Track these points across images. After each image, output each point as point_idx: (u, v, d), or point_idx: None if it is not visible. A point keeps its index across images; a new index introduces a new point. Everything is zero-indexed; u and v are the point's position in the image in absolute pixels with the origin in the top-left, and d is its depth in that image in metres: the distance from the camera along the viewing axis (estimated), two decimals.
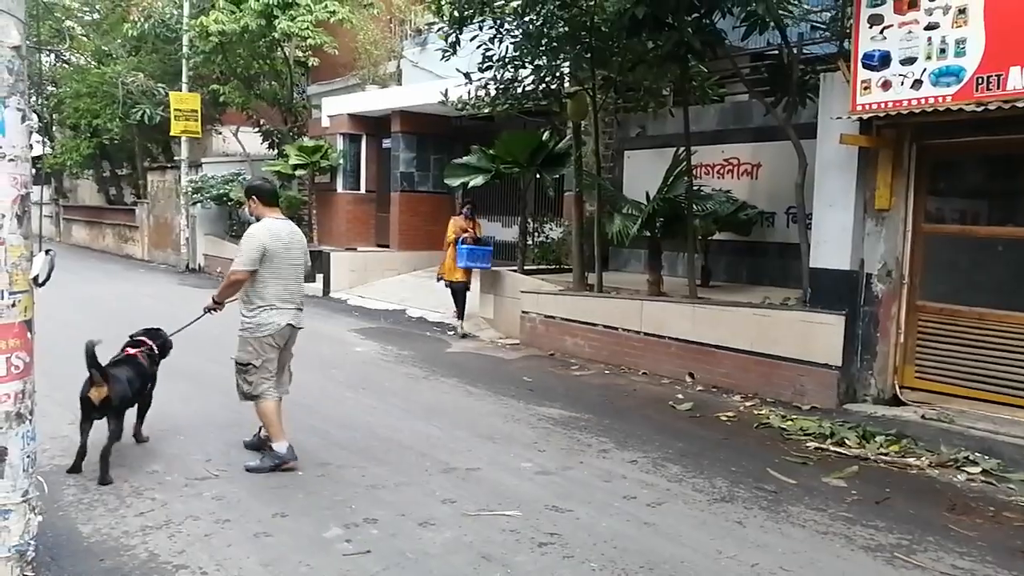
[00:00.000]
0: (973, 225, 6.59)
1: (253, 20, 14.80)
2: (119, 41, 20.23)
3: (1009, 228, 6.31)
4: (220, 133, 20.38)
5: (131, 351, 5.24)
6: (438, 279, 10.79)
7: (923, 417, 6.16)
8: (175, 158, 19.41)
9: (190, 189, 18.01)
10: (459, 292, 10.58)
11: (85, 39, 23.14)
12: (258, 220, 5.11)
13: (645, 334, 8.37)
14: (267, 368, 5.04)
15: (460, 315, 10.66)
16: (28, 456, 2.37)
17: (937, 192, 6.64)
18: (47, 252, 2.73)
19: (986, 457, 5.43)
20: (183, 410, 6.20)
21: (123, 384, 4.88)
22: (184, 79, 18.18)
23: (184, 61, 17.95)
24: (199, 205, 18.11)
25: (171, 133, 18.10)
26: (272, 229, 5.04)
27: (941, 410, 6.21)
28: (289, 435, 5.07)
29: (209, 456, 5.17)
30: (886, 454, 5.63)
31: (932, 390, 6.52)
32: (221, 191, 17.44)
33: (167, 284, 15.86)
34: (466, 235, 10.27)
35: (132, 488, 4.58)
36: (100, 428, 4.75)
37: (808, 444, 5.85)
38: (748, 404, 6.98)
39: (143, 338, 5.42)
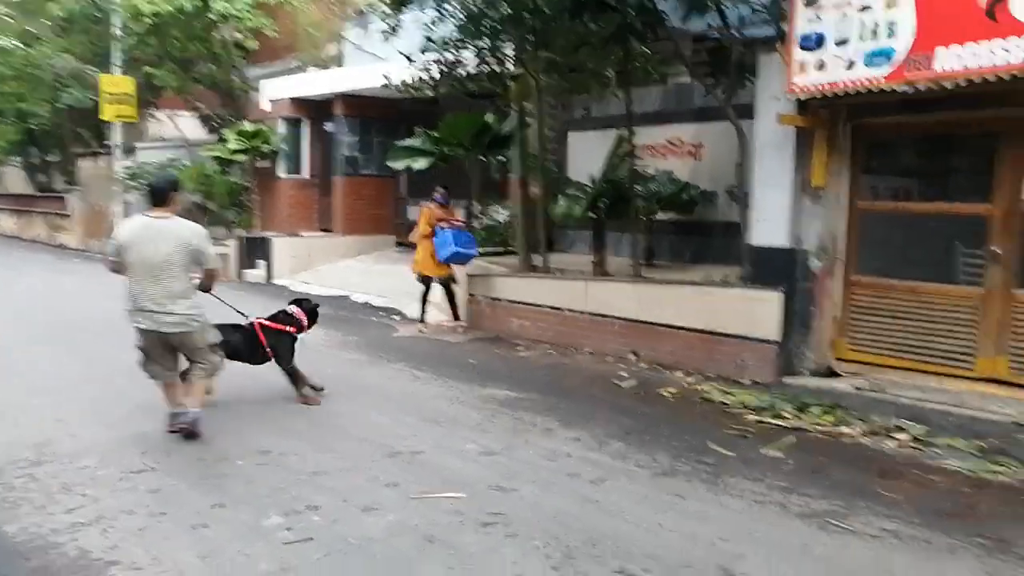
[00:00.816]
0: (905, 202, 6.79)
1: (188, 1, 14.33)
2: (46, 22, 19.38)
3: (939, 204, 6.52)
4: (156, 117, 19.74)
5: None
6: (419, 278, 9.89)
7: (856, 388, 6.35)
8: (108, 143, 18.75)
9: (125, 175, 17.44)
10: (442, 287, 9.85)
11: (9, 20, 22.10)
12: None
13: (590, 314, 8.42)
14: (144, 351, 5.21)
15: (423, 314, 10.00)
16: None
17: (871, 170, 6.81)
18: None
19: (914, 424, 5.63)
20: (120, 402, 6.02)
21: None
22: (116, 61, 17.54)
23: (116, 43, 17.30)
24: (135, 192, 17.54)
25: (103, 117, 17.47)
26: (132, 227, 5.09)
27: (873, 380, 6.41)
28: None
29: (145, 449, 5.03)
30: (821, 424, 5.79)
31: (865, 361, 6.72)
32: None
33: (102, 274, 15.33)
34: (444, 224, 9.58)
35: (61, 485, 4.43)
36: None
37: (748, 417, 5.98)
38: (690, 380, 7.10)
39: None
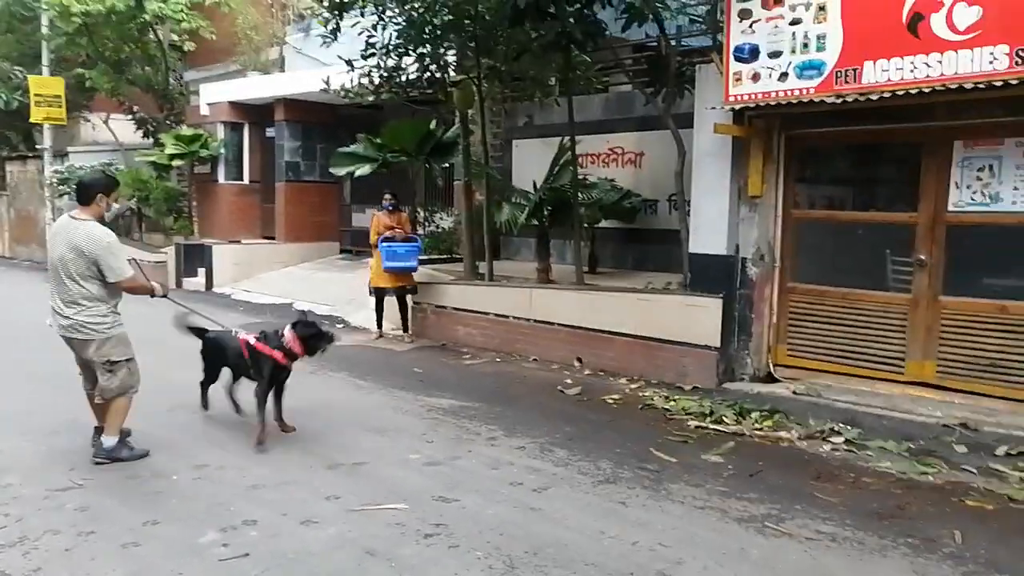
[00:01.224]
0: (837, 210, 6.99)
1: (120, 0, 13.94)
2: None
3: (868, 213, 6.74)
4: (89, 121, 19.11)
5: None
6: (370, 291, 9.63)
7: (794, 392, 6.51)
8: (37, 147, 18.08)
9: (55, 180, 16.83)
10: (385, 298, 9.61)
11: None
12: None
13: (535, 321, 8.45)
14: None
15: (379, 323, 9.71)
16: None
17: (804, 179, 7.00)
18: None
19: (849, 427, 5.79)
20: (45, 414, 5.78)
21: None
22: (45, 62, 16.95)
23: (44, 43, 16.72)
24: (66, 197, 16.92)
25: (31, 120, 16.84)
26: (54, 226, 4.98)
27: (810, 385, 6.58)
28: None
29: (73, 465, 4.84)
30: (760, 429, 5.91)
31: (803, 367, 6.90)
32: None
33: (33, 283, 14.76)
34: (392, 232, 9.30)
35: None
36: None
37: (689, 423, 6.06)
38: (634, 386, 7.17)
39: None
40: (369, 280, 9.58)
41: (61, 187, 16.62)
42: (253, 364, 5.47)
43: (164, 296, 5.32)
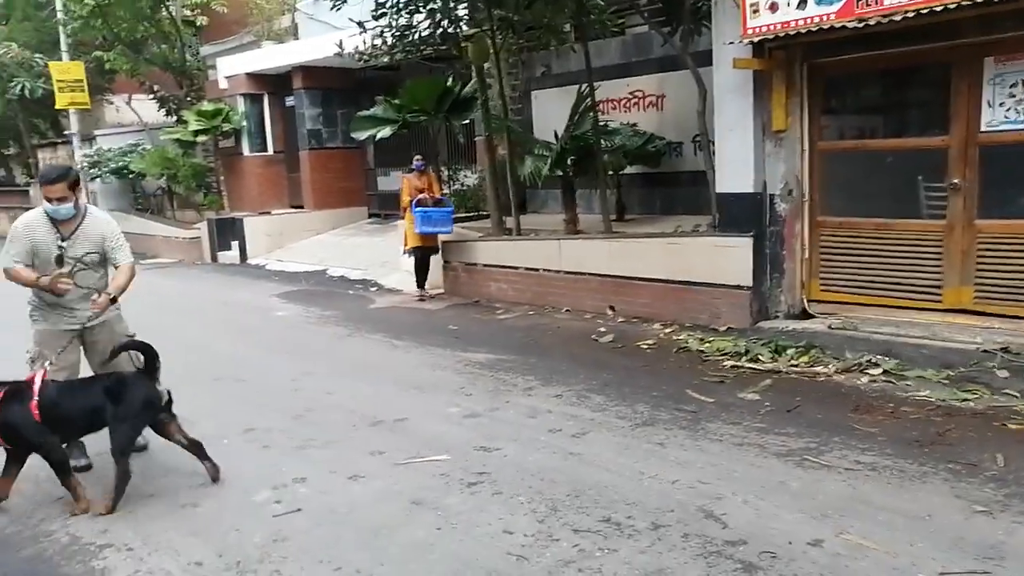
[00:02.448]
0: (866, 139, 6.84)
1: None
2: None
3: (898, 140, 6.59)
4: (112, 103, 19.33)
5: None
6: (405, 253, 9.76)
7: (830, 327, 6.46)
8: (65, 132, 18.34)
9: (86, 164, 17.10)
10: (424, 259, 9.58)
11: None
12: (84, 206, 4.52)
13: (566, 272, 8.47)
14: None
15: (421, 283, 9.65)
16: None
17: (830, 110, 6.85)
18: None
19: (886, 359, 5.76)
20: None
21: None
22: (63, 47, 17.08)
23: (61, 28, 16.83)
24: (98, 180, 17.23)
25: (57, 106, 17.06)
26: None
27: (846, 319, 6.53)
28: None
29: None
30: (796, 365, 5.91)
31: (838, 300, 6.83)
32: (120, 164, 16.62)
33: None
34: (423, 196, 9.21)
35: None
36: None
37: (725, 363, 6.08)
38: (667, 331, 7.19)
39: None
40: (404, 242, 9.62)
41: (92, 171, 16.90)
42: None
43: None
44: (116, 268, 4.54)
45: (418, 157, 9.56)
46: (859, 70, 6.65)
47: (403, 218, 9.61)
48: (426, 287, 9.69)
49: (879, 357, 5.83)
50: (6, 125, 20.39)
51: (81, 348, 4.63)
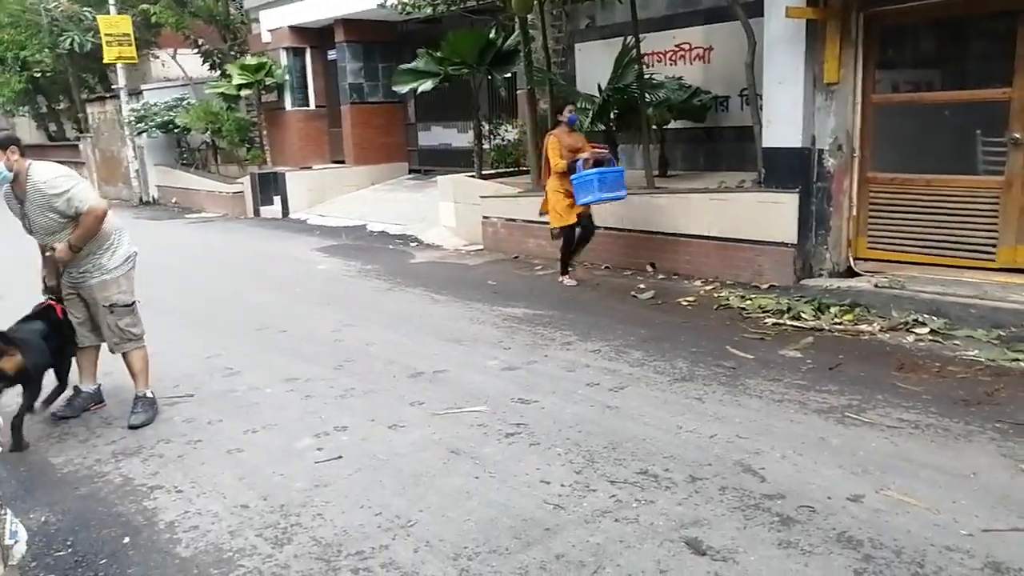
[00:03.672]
0: (920, 92, 6.59)
1: None
2: None
3: (954, 92, 6.33)
4: (158, 57, 19.46)
5: (52, 302, 4.60)
6: (554, 234, 7.68)
7: (876, 286, 6.33)
8: (113, 87, 18.60)
9: (133, 118, 17.36)
10: (585, 234, 7.67)
11: None
12: (19, 172, 4.21)
13: (605, 228, 8.38)
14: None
15: (566, 265, 7.77)
16: None
17: (885, 62, 6.60)
18: None
19: (934, 318, 5.63)
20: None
21: (37, 350, 4.31)
22: (111, 1, 17.22)
23: None
24: (145, 135, 17.50)
25: (105, 60, 17.27)
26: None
27: (893, 277, 6.38)
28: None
29: (177, 381, 5.18)
30: (840, 323, 5.80)
31: (885, 259, 6.68)
32: (166, 118, 16.82)
33: (122, 219, 15.47)
34: (583, 156, 7.16)
35: (101, 419, 4.61)
36: None
37: (766, 321, 6.00)
38: (708, 288, 7.11)
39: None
40: (550, 220, 7.62)
41: (139, 125, 17.15)
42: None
43: None
44: None
45: (570, 108, 7.58)
46: (918, 19, 6.40)
47: (544, 186, 7.61)
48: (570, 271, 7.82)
49: (926, 316, 5.71)
50: (57, 79, 20.74)
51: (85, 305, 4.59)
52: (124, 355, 4.65)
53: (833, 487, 3.36)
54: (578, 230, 7.58)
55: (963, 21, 6.23)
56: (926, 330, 5.48)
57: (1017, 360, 4.83)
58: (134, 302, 4.62)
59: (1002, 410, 4.12)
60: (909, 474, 3.44)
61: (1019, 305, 5.51)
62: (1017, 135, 5.82)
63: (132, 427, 4.43)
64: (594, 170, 7.12)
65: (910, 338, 5.40)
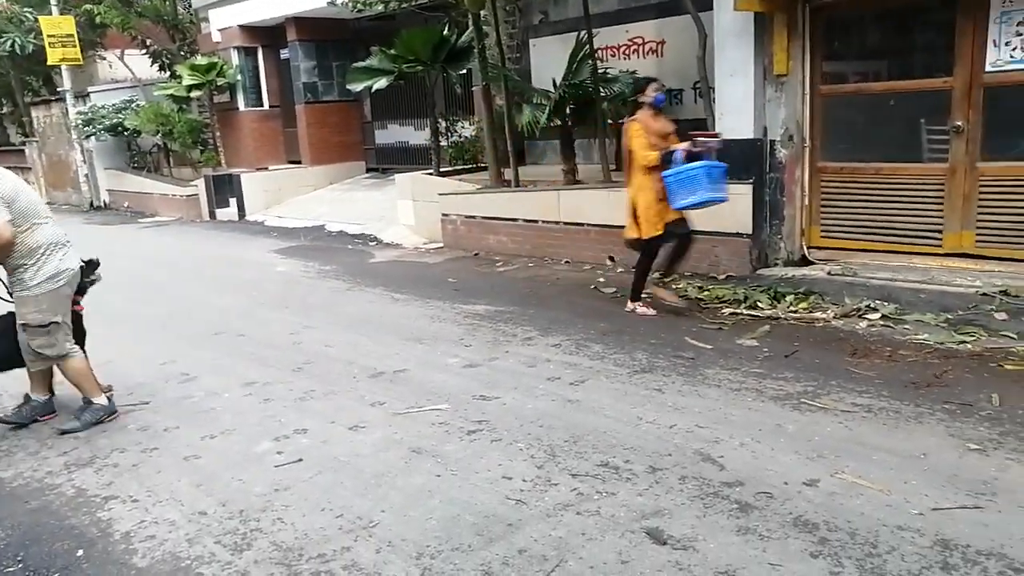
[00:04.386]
0: (867, 82, 6.73)
1: None
2: None
3: (900, 82, 6.48)
4: (105, 59, 19.00)
5: None
6: (631, 243, 6.20)
7: (829, 273, 6.46)
8: (59, 89, 18.11)
9: (80, 122, 16.91)
10: (682, 245, 6.15)
11: None
12: None
13: (565, 223, 8.44)
14: (67, 322, 4.45)
15: (638, 291, 6.24)
16: None
17: (832, 53, 6.73)
18: None
19: (885, 303, 5.77)
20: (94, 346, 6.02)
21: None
22: (53, 1, 16.75)
23: None
24: (93, 138, 17.07)
25: (49, 62, 16.80)
26: (7, 175, 4.23)
27: (845, 265, 6.52)
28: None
29: (131, 389, 5.07)
30: (796, 312, 5.91)
31: (837, 247, 6.82)
32: (114, 121, 16.42)
33: (71, 225, 15.09)
34: (681, 147, 5.75)
35: (52, 429, 4.49)
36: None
37: (724, 311, 6.08)
38: (667, 279, 7.15)
39: None
40: (639, 228, 6.00)
41: (87, 128, 16.72)
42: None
43: None
44: None
45: (656, 86, 5.96)
46: (862, 11, 6.53)
47: (628, 183, 6.02)
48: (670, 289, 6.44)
49: (878, 302, 5.84)
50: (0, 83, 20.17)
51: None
52: (58, 365, 4.53)
53: (790, 472, 3.42)
54: (662, 242, 6.05)
55: (905, 12, 6.38)
56: (878, 316, 5.61)
57: (964, 343, 4.97)
58: (51, 323, 4.31)
59: (950, 391, 4.23)
60: (862, 457, 3.52)
61: (965, 289, 5.67)
62: (959, 123, 5.98)
63: (61, 432, 4.37)
64: (699, 163, 5.65)
65: (863, 324, 5.52)
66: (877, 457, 3.51)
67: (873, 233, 6.59)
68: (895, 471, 3.37)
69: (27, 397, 4.62)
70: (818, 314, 5.81)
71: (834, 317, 5.72)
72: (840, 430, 3.84)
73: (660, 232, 5.96)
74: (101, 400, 4.57)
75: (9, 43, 17.34)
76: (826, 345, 5.17)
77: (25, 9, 17.51)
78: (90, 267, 4.69)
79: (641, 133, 5.85)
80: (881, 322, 5.52)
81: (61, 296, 4.37)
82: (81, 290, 4.62)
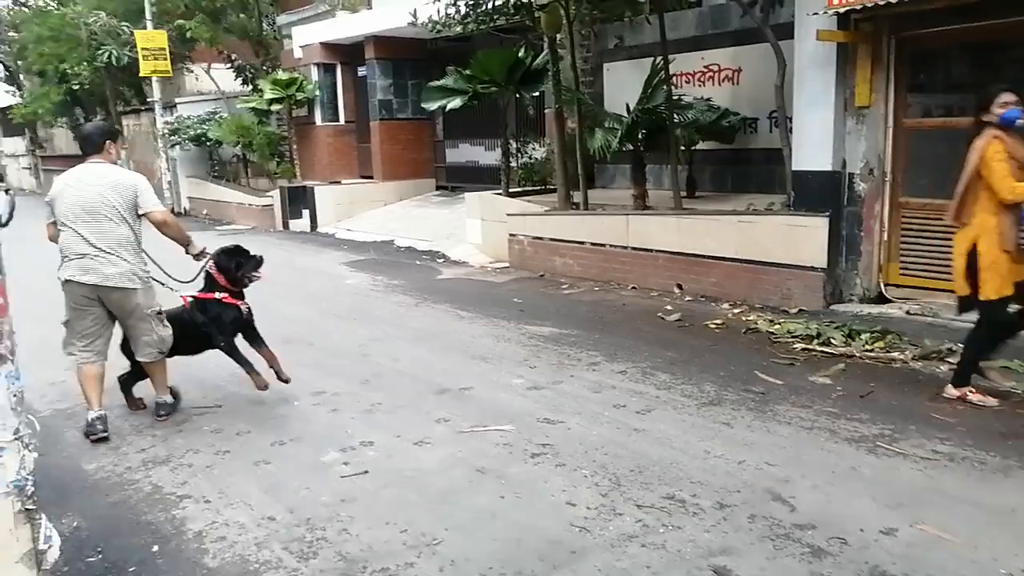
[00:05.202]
0: (955, 117, 6.52)
1: None
2: None
3: None
4: (192, 72, 19.84)
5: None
6: (964, 302, 4.69)
7: (908, 312, 6.25)
8: (148, 100, 18.97)
9: (167, 131, 17.67)
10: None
11: None
12: None
13: (632, 249, 8.38)
14: (73, 327, 4.49)
15: (967, 372, 4.73)
16: (14, 396, 2.39)
17: (917, 86, 6.56)
18: (7, 192, 2.70)
19: None
20: None
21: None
22: (148, 16, 17.60)
23: None
24: (178, 147, 17.80)
25: (141, 74, 17.64)
26: (63, 177, 4.53)
27: (925, 305, 6.30)
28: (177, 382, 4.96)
29: (204, 391, 5.23)
30: (871, 350, 5.72)
31: (917, 286, 6.60)
32: (199, 131, 17.12)
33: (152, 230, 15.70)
34: None
35: (132, 426, 4.66)
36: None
37: (795, 346, 5.94)
38: (736, 311, 7.05)
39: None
40: (979, 283, 4.49)
41: (172, 137, 17.45)
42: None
43: (199, 257, 4.81)
44: None
45: (1008, 99, 4.37)
46: (952, 43, 6.35)
47: (958, 217, 4.66)
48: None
49: (960, 345, 5.60)
50: (94, 92, 21.18)
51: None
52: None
53: (866, 519, 3.30)
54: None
55: (995, 46, 6.18)
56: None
57: None
58: (65, 321, 4.53)
59: None
60: (945, 508, 3.37)
61: None
62: None
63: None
64: None
65: (944, 367, 5.31)
66: (961, 510, 3.36)
67: None
68: (981, 526, 3.22)
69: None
70: (895, 354, 5.62)
71: (912, 358, 5.52)
72: (920, 478, 3.69)
73: (1010, 293, 4.45)
74: (91, 414, 4.47)
75: (106, 55, 18.25)
76: (904, 387, 4.99)
77: (123, 23, 18.42)
78: (252, 263, 4.90)
79: (1001, 154, 4.32)
80: None
81: (66, 297, 4.48)
82: (238, 286, 4.86)
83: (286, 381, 5.02)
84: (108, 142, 4.61)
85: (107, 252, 4.39)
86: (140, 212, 4.53)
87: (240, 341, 5.01)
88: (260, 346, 5.03)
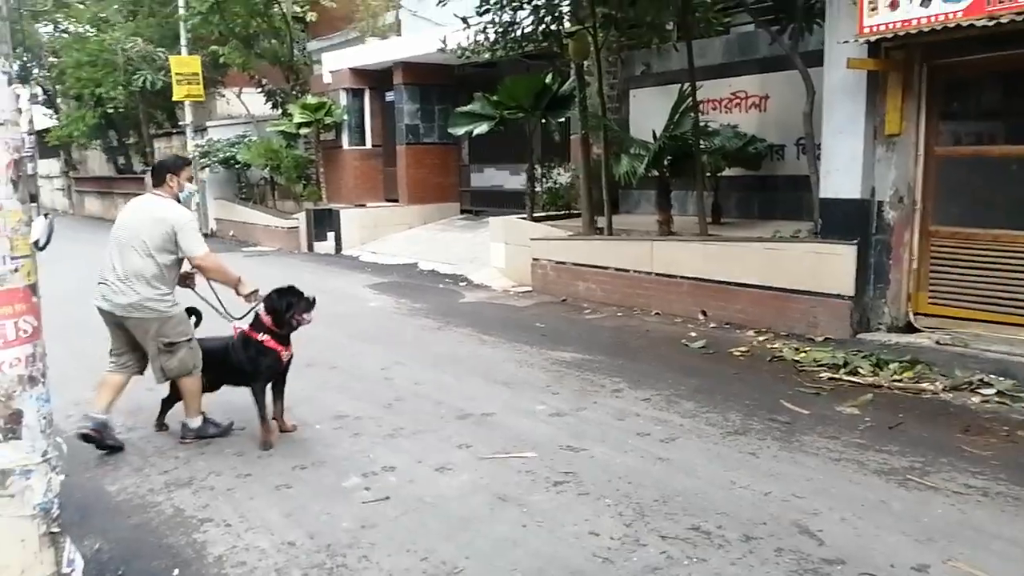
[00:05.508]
0: (987, 145, 6.45)
1: None
2: (115, 6, 20.00)
3: (1022, 147, 6.17)
4: (223, 96, 20.23)
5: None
6: None
7: (937, 342, 6.13)
8: (180, 123, 19.35)
9: (197, 154, 17.98)
10: None
11: (81, 6, 22.90)
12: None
13: (657, 274, 8.34)
14: (110, 340, 4.71)
15: None
16: (44, 418, 2.42)
17: (949, 114, 6.48)
18: (45, 216, 2.75)
19: (1001, 378, 5.42)
20: None
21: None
22: (183, 42, 18.00)
23: (181, 23, 17.75)
24: (207, 170, 18.10)
25: (174, 98, 18.00)
26: (128, 204, 4.79)
27: (956, 335, 6.18)
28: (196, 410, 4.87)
29: (228, 414, 5.24)
30: (900, 381, 5.62)
31: (947, 315, 6.47)
32: (228, 154, 17.41)
33: None
34: None
35: (155, 448, 4.69)
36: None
37: (821, 375, 5.85)
38: (761, 339, 6.97)
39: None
40: None
41: (203, 160, 17.75)
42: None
43: (249, 298, 4.76)
44: None
45: None
46: (984, 72, 6.29)
47: None
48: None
49: (992, 376, 5.49)
50: (128, 115, 21.66)
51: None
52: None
53: (896, 554, 3.22)
54: None
55: None
56: (992, 391, 5.27)
57: None
58: None
59: None
60: (979, 545, 3.28)
61: None
62: None
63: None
64: None
65: (975, 399, 5.20)
66: (996, 546, 3.26)
67: (988, 302, 6.23)
68: (1017, 564, 3.12)
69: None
70: (925, 385, 5.51)
71: (943, 389, 5.41)
72: (952, 512, 3.60)
73: None
74: (89, 411, 4.63)
75: (141, 80, 18.67)
76: (934, 419, 4.89)
77: (158, 49, 18.86)
78: (303, 304, 4.81)
79: None
80: (996, 398, 5.18)
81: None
82: (285, 328, 4.75)
83: (290, 430, 4.91)
84: (170, 175, 4.70)
85: (122, 281, 4.48)
86: (181, 255, 4.60)
87: None
88: (277, 397, 4.89)
